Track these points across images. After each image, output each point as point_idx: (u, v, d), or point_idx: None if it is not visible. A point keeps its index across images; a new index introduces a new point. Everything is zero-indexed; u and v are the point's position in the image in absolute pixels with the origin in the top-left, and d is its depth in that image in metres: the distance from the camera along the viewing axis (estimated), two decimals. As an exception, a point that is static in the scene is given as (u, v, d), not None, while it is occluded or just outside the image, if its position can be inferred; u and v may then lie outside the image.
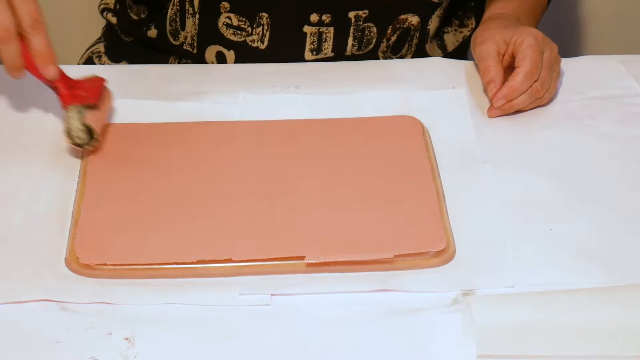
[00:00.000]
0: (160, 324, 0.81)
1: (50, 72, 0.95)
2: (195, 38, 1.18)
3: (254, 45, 1.17)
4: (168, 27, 1.19)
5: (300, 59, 1.17)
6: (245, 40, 1.17)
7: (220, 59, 1.19)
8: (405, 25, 1.18)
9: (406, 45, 1.20)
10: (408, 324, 0.82)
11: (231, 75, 1.08)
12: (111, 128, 1.01)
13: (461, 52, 1.27)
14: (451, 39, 1.26)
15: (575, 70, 1.13)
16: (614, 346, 0.79)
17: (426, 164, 0.97)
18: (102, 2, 1.29)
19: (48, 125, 1.02)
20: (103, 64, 1.26)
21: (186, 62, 1.21)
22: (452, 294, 0.85)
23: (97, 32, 1.34)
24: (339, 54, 1.18)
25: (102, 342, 0.80)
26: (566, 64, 1.12)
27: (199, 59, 1.20)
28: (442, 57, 1.21)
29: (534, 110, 1.07)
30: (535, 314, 0.81)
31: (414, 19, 1.18)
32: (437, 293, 0.85)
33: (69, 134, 0.95)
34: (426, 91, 1.08)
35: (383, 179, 0.95)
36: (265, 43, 1.16)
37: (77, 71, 1.13)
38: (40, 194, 0.93)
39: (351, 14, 1.15)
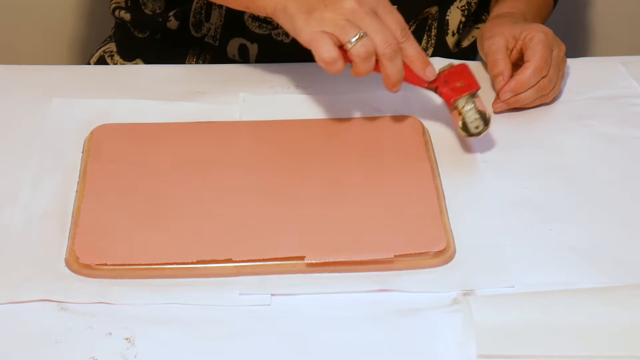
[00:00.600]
0: (160, 324, 0.81)
1: (432, 73, 0.97)
2: (219, 30, 1.18)
3: (279, 38, 1.17)
4: (192, 19, 1.18)
5: None
6: (270, 33, 1.16)
7: (243, 52, 1.19)
8: (423, 15, 1.18)
9: (425, 37, 1.20)
10: (408, 324, 0.82)
11: (231, 75, 1.07)
12: (111, 128, 1.01)
13: (475, 48, 1.27)
14: (467, 35, 1.26)
15: (576, 71, 1.13)
16: (614, 346, 0.79)
17: (426, 164, 0.97)
18: (113, 1, 1.29)
19: (48, 125, 1.02)
20: (116, 63, 1.25)
21: (205, 56, 1.21)
22: (452, 294, 0.85)
23: (108, 31, 1.34)
24: None
25: (102, 342, 0.80)
26: (567, 64, 1.11)
27: (220, 52, 1.19)
28: (454, 52, 1.20)
29: (534, 110, 1.07)
30: (535, 314, 0.81)
31: (432, 9, 1.18)
32: (437, 293, 0.85)
33: (465, 127, 0.96)
34: (426, 91, 1.08)
35: (383, 179, 0.95)
36: (290, 37, 1.16)
37: (87, 71, 1.13)
38: (40, 194, 0.93)
39: None
